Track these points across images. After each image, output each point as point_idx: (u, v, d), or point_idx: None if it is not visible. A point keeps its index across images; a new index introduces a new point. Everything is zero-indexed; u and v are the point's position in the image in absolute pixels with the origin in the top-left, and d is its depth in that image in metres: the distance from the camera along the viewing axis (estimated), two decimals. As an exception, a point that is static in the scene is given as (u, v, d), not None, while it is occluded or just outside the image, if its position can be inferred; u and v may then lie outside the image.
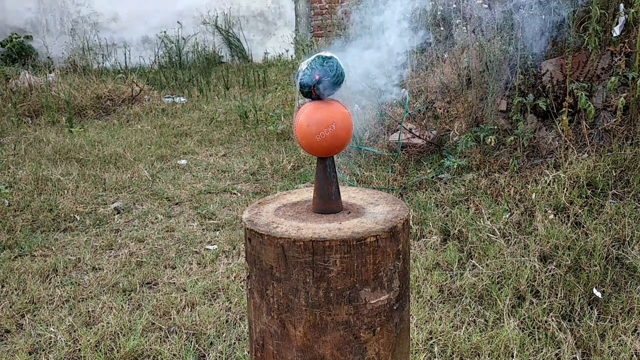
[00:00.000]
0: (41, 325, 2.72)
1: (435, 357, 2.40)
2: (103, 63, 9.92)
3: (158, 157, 5.33)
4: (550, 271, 2.87)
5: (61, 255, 3.43)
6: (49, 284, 3.12)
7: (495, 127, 4.13)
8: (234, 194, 4.40)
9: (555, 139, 3.88)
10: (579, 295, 2.69)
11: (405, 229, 1.39)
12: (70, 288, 3.05)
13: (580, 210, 3.29)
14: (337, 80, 1.39)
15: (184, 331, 2.64)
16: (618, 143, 3.61)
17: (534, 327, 2.55)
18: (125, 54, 10.23)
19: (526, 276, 2.83)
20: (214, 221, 3.91)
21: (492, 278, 2.89)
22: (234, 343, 2.56)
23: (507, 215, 3.38)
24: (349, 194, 1.57)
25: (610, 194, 3.38)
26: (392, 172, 4.31)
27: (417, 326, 2.57)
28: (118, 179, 4.71)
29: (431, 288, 2.86)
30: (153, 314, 2.79)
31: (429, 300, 2.79)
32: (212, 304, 2.86)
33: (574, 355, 2.37)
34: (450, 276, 2.97)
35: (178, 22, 10.54)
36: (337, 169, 1.56)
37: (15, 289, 3.06)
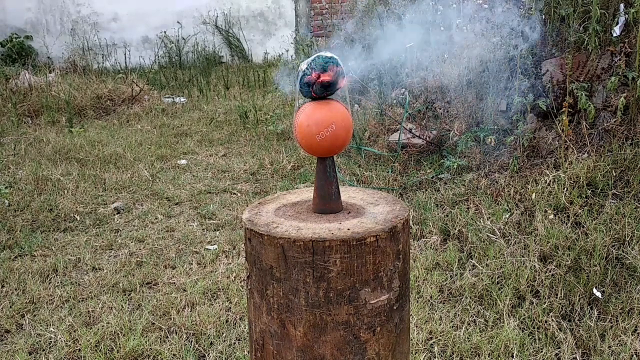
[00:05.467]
0: (41, 325, 2.72)
1: (435, 357, 2.40)
2: (103, 63, 9.92)
3: (158, 157, 5.33)
4: (550, 271, 2.87)
5: (61, 255, 3.43)
6: (49, 284, 3.12)
7: (495, 127, 4.13)
8: (234, 194, 4.40)
9: (555, 139, 3.88)
10: (579, 295, 2.69)
11: (405, 229, 1.39)
12: (70, 288, 3.05)
13: (580, 210, 3.29)
14: (337, 80, 1.40)
15: (184, 331, 2.64)
16: (618, 143, 3.61)
17: (534, 327, 2.55)
18: (125, 54, 10.23)
19: (526, 276, 2.83)
20: (214, 221, 3.91)
21: (492, 278, 2.89)
22: (234, 343, 2.56)
23: (507, 215, 3.38)
24: (349, 194, 1.57)
25: (610, 194, 3.38)
26: (392, 172, 4.31)
27: (417, 326, 2.57)
28: (118, 179, 4.71)
29: (431, 288, 2.86)
30: (153, 314, 2.79)
31: (429, 300, 2.79)
32: (212, 304, 2.86)
33: (574, 355, 2.37)
34: (450, 276, 2.97)
35: (178, 22, 10.54)
36: (337, 169, 1.56)
37: (15, 289, 3.06)
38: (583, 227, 3.18)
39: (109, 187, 4.57)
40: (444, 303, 2.78)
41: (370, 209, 1.45)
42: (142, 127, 6.54)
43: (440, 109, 4.66)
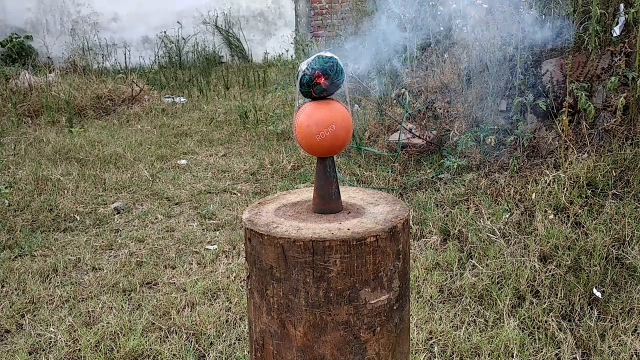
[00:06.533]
0: (41, 325, 2.72)
1: (435, 357, 2.40)
2: (103, 63, 9.92)
3: (158, 157, 5.33)
4: (550, 271, 2.87)
5: (61, 255, 3.43)
6: (49, 284, 3.12)
7: (495, 127, 4.13)
8: (234, 194, 4.40)
9: (555, 139, 3.88)
10: (579, 295, 2.69)
11: (405, 229, 1.39)
12: (70, 288, 3.05)
13: (580, 210, 3.29)
14: (337, 80, 1.40)
15: (184, 331, 2.64)
16: (618, 143, 3.61)
17: (534, 327, 2.55)
18: (125, 54, 10.23)
19: (526, 276, 2.83)
20: (214, 221, 3.91)
21: (492, 278, 2.89)
22: (234, 343, 2.56)
23: (507, 215, 3.38)
24: (349, 194, 1.57)
25: (610, 194, 3.38)
26: (392, 172, 4.31)
27: (417, 326, 2.57)
28: (118, 179, 4.71)
29: (431, 288, 2.86)
30: (153, 314, 2.79)
31: (429, 300, 2.79)
32: (212, 304, 2.86)
33: (574, 355, 2.37)
34: (450, 276, 2.97)
35: (178, 22, 10.54)
36: (337, 169, 1.56)
37: (15, 289, 3.06)
38: (583, 227, 3.18)
39: (109, 187, 4.57)
40: (444, 303, 2.78)
41: (370, 209, 1.45)
42: (142, 127, 6.54)
43: (440, 109, 4.66)
